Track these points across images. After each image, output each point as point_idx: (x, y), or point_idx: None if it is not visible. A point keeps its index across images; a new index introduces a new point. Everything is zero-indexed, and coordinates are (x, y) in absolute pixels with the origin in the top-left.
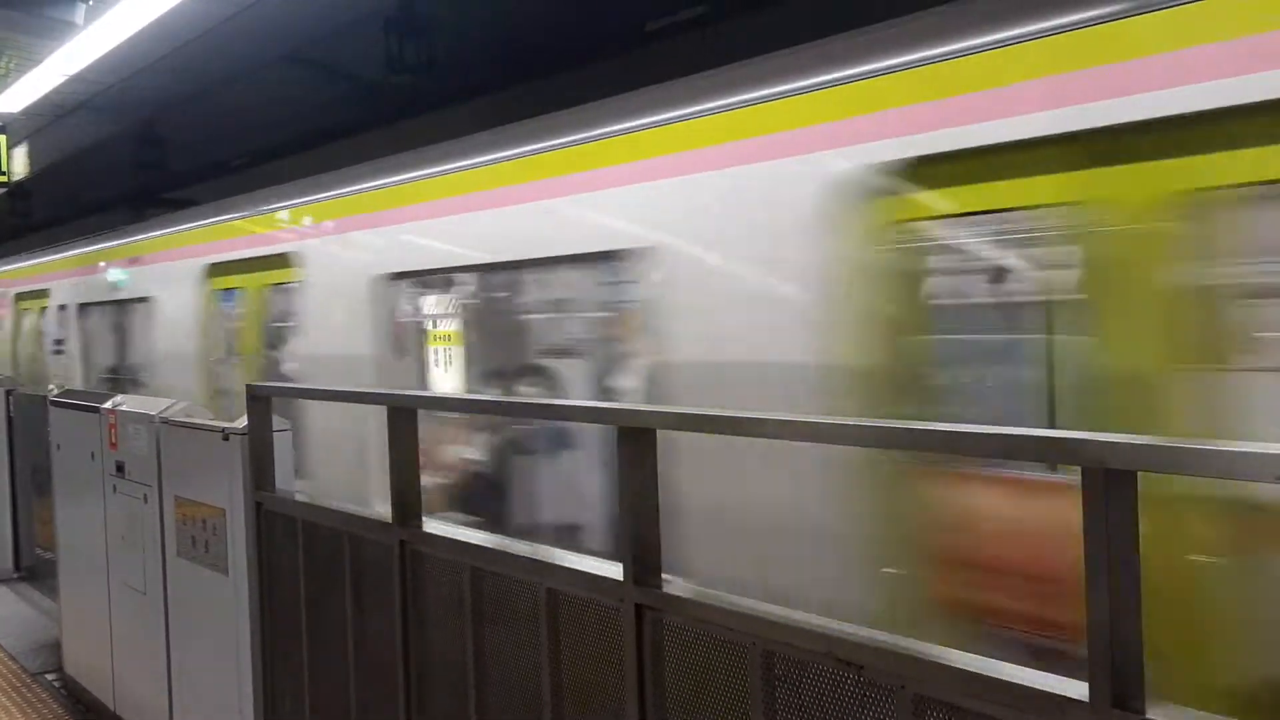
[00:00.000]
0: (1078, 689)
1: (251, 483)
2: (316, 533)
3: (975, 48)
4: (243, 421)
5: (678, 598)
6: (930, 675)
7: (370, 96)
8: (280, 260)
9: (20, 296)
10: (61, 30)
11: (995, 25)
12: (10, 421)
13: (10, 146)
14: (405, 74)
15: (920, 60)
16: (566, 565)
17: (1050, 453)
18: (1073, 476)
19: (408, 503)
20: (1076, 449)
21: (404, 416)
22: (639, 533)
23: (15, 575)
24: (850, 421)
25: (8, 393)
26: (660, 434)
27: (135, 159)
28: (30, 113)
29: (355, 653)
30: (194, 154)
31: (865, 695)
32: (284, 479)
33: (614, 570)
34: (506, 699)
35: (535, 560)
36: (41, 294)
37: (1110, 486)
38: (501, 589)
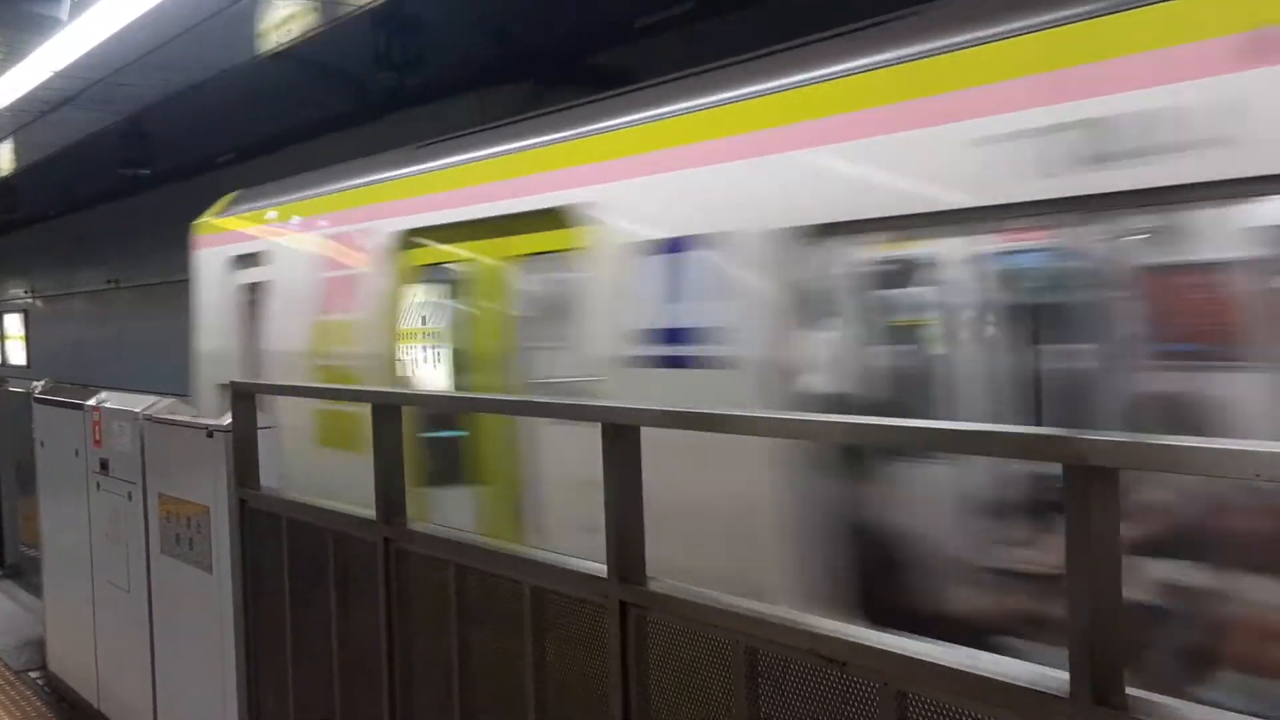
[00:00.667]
0: (1059, 684)
1: (235, 480)
2: (300, 530)
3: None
4: (227, 418)
5: (662, 595)
6: (912, 671)
7: (358, 92)
8: None
9: (417, 236)
10: (46, 26)
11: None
12: None
13: None
14: (392, 70)
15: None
16: (551, 563)
17: (1034, 450)
18: None
19: (392, 500)
20: (1060, 446)
21: (388, 414)
22: (623, 530)
23: (0, 572)
24: (835, 419)
25: None
26: None
27: (122, 155)
28: (16, 109)
29: (339, 650)
30: (181, 150)
31: (848, 691)
32: (268, 476)
33: (599, 568)
34: (491, 696)
35: (520, 558)
36: (546, 220)
37: (1092, 483)
38: (486, 587)
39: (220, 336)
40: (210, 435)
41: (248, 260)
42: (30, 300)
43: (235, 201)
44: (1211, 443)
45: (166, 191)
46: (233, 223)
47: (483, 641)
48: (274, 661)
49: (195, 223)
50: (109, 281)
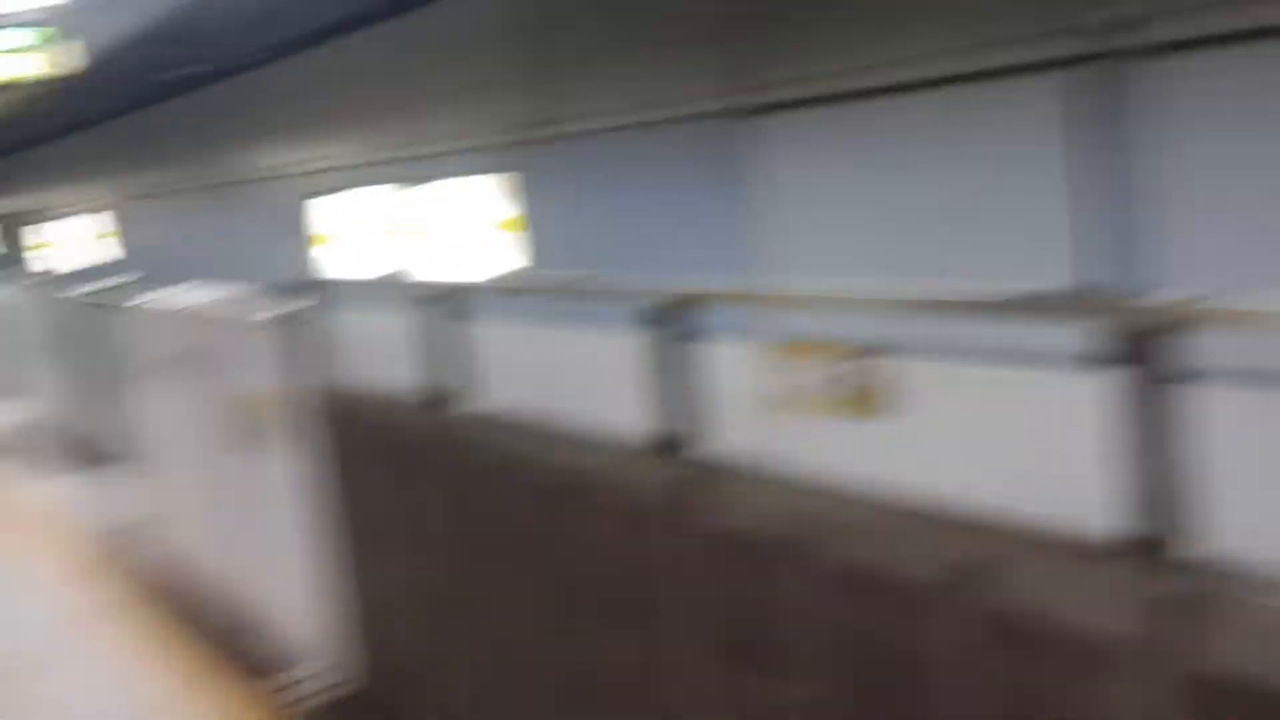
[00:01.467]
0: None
1: (303, 371)
2: (367, 415)
3: None
4: (290, 307)
5: (714, 468)
6: None
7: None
8: None
9: None
10: None
11: None
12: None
13: None
14: None
15: None
16: (598, 439)
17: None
18: None
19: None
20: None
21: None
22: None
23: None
24: None
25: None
26: None
27: (181, 54)
28: (57, 10)
29: (409, 531)
30: (231, 48)
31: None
32: (330, 365)
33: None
34: (552, 576)
35: (566, 435)
36: None
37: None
38: (553, 467)
39: None
40: (271, 328)
41: None
42: (118, 199)
43: None
44: None
45: (224, 89)
46: None
47: (547, 521)
48: (367, 544)
49: None
50: (191, 180)
